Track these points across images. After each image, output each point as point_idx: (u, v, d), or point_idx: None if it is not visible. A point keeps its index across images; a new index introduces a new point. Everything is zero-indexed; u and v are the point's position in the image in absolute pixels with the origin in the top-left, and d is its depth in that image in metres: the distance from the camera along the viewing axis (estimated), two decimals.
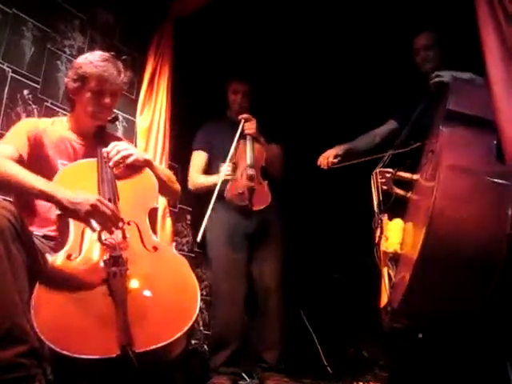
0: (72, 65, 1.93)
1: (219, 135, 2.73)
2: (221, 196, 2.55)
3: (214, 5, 2.93)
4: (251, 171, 2.57)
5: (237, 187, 2.56)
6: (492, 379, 1.76)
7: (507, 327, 1.72)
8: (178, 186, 2.10)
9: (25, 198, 1.78)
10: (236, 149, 2.63)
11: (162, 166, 2.53)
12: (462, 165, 1.71)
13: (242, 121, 2.69)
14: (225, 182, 2.56)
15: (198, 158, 2.84)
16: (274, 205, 2.64)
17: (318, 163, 2.62)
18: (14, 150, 1.69)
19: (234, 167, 2.63)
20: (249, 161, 2.60)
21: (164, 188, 2.00)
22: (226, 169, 2.58)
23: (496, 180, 1.65)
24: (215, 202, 2.45)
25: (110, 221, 1.52)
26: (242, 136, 2.67)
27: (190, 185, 2.80)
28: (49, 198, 1.52)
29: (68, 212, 1.52)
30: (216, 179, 2.59)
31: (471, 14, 1.82)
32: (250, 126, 2.69)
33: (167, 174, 2.07)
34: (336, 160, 2.56)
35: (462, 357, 1.86)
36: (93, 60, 1.86)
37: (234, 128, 2.70)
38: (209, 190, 2.60)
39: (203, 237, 2.36)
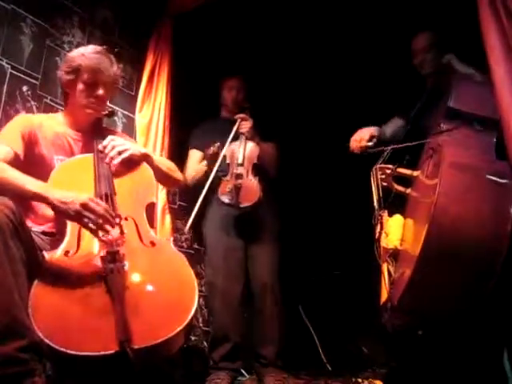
0: (65, 58, 1.94)
1: (214, 135, 2.73)
2: (216, 191, 2.58)
3: (213, 1, 2.92)
4: (239, 170, 2.60)
5: (226, 185, 2.58)
6: (489, 373, 1.76)
7: (506, 323, 1.72)
8: (179, 175, 2.10)
9: None
10: (229, 147, 2.64)
11: (162, 158, 2.52)
12: (463, 162, 1.72)
13: (239, 120, 2.71)
14: (218, 178, 2.58)
15: (194, 157, 2.86)
16: (269, 202, 2.64)
17: (350, 147, 2.42)
18: (8, 150, 1.69)
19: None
20: (239, 160, 2.62)
21: (165, 178, 2.01)
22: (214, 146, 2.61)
23: (496, 178, 1.65)
24: (211, 197, 2.47)
25: (102, 219, 1.49)
26: (236, 135, 2.68)
27: (188, 179, 2.79)
28: (43, 199, 1.53)
29: (60, 212, 1.52)
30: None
31: (473, 12, 1.82)
32: (244, 126, 2.70)
33: (167, 164, 2.07)
34: (371, 143, 2.36)
35: (461, 353, 1.86)
36: (85, 52, 1.87)
37: (229, 127, 2.71)
38: (206, 177, 2.62)
39: (200, 232, 2.35)
